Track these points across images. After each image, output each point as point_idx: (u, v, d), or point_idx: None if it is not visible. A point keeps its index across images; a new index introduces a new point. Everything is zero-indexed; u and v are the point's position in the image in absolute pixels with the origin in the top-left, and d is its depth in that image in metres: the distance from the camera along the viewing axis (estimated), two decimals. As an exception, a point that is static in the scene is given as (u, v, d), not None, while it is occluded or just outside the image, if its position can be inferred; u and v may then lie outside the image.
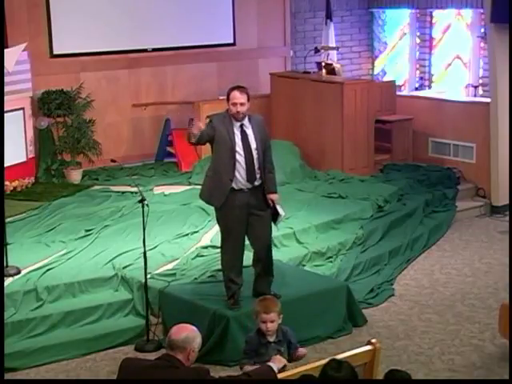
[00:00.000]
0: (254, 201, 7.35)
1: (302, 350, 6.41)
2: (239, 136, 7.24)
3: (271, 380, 5.51)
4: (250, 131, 7.29)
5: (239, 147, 7.22)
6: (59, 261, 8.60)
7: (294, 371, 5.54)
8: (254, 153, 7.27)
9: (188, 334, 5.17)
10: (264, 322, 6.21)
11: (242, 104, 7.21)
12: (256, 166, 7.29)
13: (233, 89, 7.32)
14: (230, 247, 7.43)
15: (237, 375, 5.72)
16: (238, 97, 7.22)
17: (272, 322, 6.21)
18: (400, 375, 4.88)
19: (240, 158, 7.22)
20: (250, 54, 13.48)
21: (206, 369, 5.28)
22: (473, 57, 13.64)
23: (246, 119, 7.30)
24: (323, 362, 4.97)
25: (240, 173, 7.24)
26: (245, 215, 7.34)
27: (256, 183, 7.34)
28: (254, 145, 7.28)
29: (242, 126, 7.27)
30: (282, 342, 6.28)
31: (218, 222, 7.54)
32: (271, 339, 6.25)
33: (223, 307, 7.49)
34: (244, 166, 7.23)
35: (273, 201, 7.44)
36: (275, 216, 7.51)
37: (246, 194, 7.31)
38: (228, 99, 7.28)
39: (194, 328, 5.27)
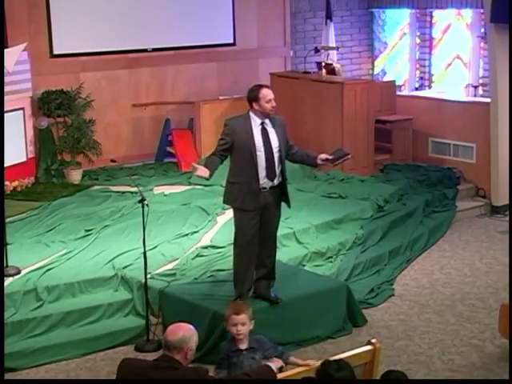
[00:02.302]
0: (270, 201, 7.35)
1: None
2: (259, 134, 7.24)
3: (271, 380, 5.51)
4: (271, 129, 7.30)
5: (259, 145, 7.22)
6: (59, 261, 8.59)
7: (293, 371, 5.55)
8: (275, 151, 7.28)
9: (184, 333, 5.12)
10: (234, 324, 5.93)
11: (274, 99, 7.25)
12: (276, 164, 7.29)
13: (260, 87, 7.30)
14: (243, 247, 7.41)
15: (236, 375, 5.71)
16: (270, 93, 7.23)
17: (243, 324, 5.93)
18: (395, 375, 4.87)
19: (260, 154, 7.23)
20: (250, 54, 13.48)
21: (205, 369, 5.26)
22: (473, 57, 13.64)
23: (267, 118, 7.30)
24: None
25: (260, 170, 7.25)
26: (259, 215, 7.35)
27: (275, 182, 7.34)
28: (275, 143, 7.28)
29: (262, 123, 7.28)
30: (256, 350, 5.98)
31: (235, 221, 7.53)
32: (242, 346, 5.94)
33: (223, 307, 7.46)
34: (264, 162, 7.24)
35: (327, 157, 7.47)
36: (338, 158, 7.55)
37: (265, 194, 7.31)
38: (257, 98, 7.21)
39: (190, 326, 5.23)
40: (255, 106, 7.25)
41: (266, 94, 7.23)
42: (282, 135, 7.35)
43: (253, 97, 7.26)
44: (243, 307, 6.09)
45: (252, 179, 7.24)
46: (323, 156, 7.51)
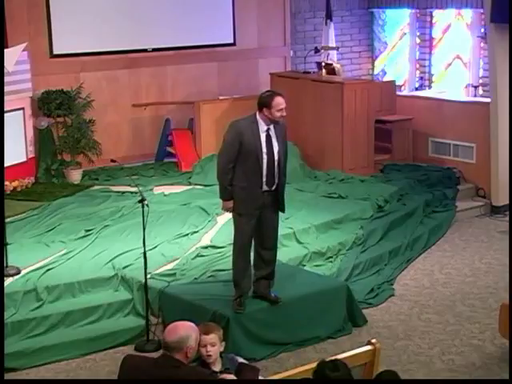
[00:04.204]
0: (268, 202, 7.37)
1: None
2: (264, 139, 7.25)
3: (271, 380, 5.51)
4: (273, 134, 7.31)
5: (264, 151, 7.23)
6: (59, 261, 8.59)
7: (293, 371, 5.53)
8: (276, 156, 7.29)
9: (182, 333, 5.07)
10: (204, 345, 5.61)
11: (285, 108, 7.27)
12: (276, 169, 7.31)
13: (274, 95, 7.29)
14: (243, 248, 7.42)
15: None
16: (283, 102, 7.25)
17: (212, 345, 5.66)
18: (386, 375, 4.87)
19: (264, 160, 7.24)
20: (250, 54, 13.48)
21: (206, 370, 5.26)
22: (473, 57, 13.63)
23: (272, 124, 7.30)
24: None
25: (263, 175, 7.26)
26: (257, 217, 7.36)
27: (273, 187, 7.37)
28: (276, 148, 7.29)
29: (268, 129, 7.28)
30: (231, 369, 5.75)
31: (234, 223, 7.53)
32: (216, 369, 5.73)
33: (223, 307, 7.49)
34: (266, 168, 7.26)
35: None
36: None
37: (263, 197, 7.33)
38: (269, 105, 7.19)
39: (188, 325, 5.17)
40: (265, 111, 7.22)
41: (280, 102, 7.22)
42: (281, 140, 7.37)
43: (265, 103, 7.23)
44: (213, 328, 5.88)
45: (255, 184, 7.25)
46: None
